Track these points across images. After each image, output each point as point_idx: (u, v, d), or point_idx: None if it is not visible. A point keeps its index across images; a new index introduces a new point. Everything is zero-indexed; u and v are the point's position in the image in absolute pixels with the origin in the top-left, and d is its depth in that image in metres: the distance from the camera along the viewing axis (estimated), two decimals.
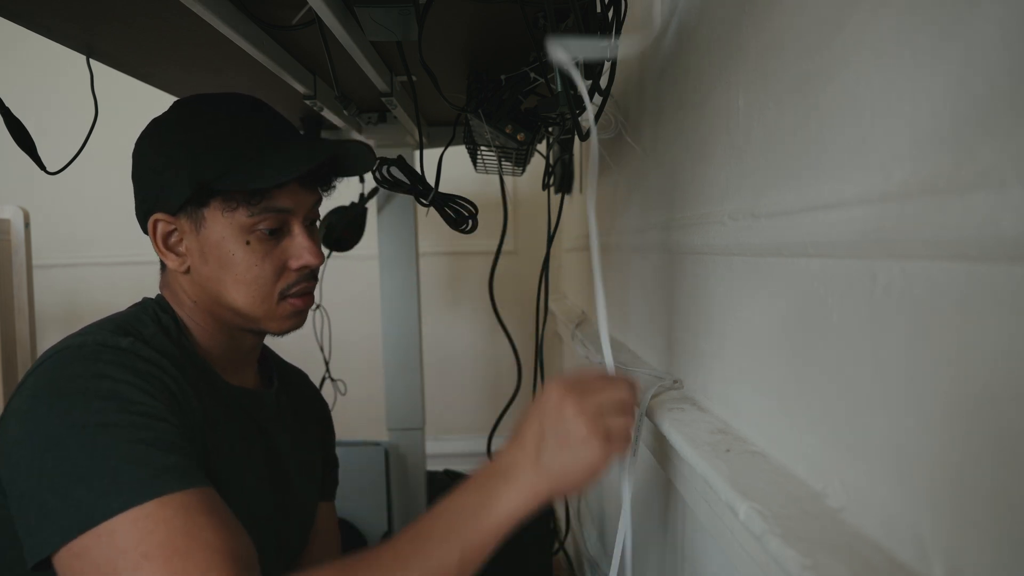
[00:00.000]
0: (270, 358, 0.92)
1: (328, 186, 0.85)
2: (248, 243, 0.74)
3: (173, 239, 0.76)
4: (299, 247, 0.76)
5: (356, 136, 1.51)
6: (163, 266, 0.79)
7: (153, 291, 0.81)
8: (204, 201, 0.74)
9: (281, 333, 0.80)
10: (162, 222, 0.75)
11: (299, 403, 0.93)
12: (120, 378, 0.63)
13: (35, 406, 0.62)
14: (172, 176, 0.73)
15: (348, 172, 0.85)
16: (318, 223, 0.84)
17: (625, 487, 0.67)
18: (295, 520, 0.86)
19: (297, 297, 0.78)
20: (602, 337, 0.69)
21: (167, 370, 0.68)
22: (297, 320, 0.80)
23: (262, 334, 0.82)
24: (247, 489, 0.75)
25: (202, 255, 0.75)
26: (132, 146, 0.79)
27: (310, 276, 0.79)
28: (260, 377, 0.88)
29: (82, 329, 0.71)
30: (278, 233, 0.76)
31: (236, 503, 0.72)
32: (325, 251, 1.36)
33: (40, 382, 0.64)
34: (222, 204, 0.73)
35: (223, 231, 0.74)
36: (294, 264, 0.77)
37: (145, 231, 0.77)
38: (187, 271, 0.76)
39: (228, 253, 0.74)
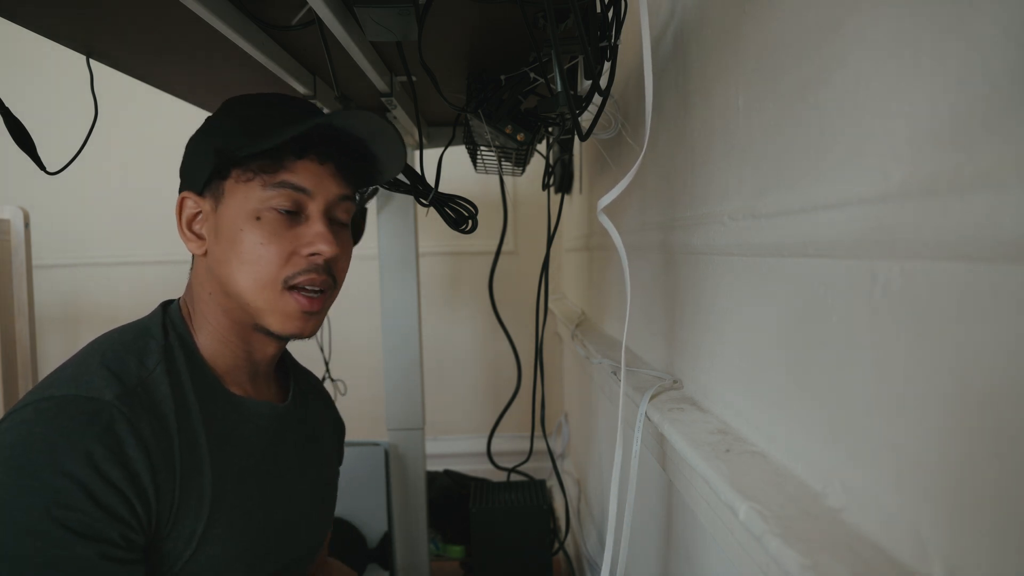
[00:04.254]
0: (289, 367, 0.89)
1: (363, 185, 0.83)
2: (259, 219, 0.71)
3: (197, 221, 0.76)
4: (313, 233, 0.72)
5: None
6: (193, 262, 0.79)
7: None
8: (225, 173, 0.73)
9: (285, 335, 0.75)
10: (189, 200, 0.75)
11: (316, 413, 0.92)
12: (65, 463, 0.61)
13: None
14: (200, 152, 0.74)
15: (380, 172, 0.82)
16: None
17: (630, 485, 0.67)
18: (303, 533, 0.85)
19: (304, 293, 0.73)
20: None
21: (142, 437, 0.65)
22: (303, 323, 0.74)
23: (274, 338, 0.77)
24: (248, 508, 0.75)
25: (217, 233, 0.73)
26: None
27: (322, 269, 0.73)
28: (278, 388, 0.86)
29: (87, 356, 0.70)
30: (296, 217, 0.72)
31: (233, 522, 0.72)
32: None
33: (4, 445, 0.62)
34: (242, 174, 0.72)
35: (238, 205, 0.72)
36: (304, 250, 0.72)
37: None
38: (205, 254, 0.75)
39: (237, 229, 0.71)
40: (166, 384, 0.70)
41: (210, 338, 0.76)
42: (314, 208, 0.73)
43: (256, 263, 0.71)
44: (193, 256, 0.78)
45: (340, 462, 1.00)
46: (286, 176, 0.72)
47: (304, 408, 0.88)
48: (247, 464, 0.76)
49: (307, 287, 0.73)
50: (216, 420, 0.73)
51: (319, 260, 0.73)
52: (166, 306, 0.79)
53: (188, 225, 0.76)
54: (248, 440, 0.77)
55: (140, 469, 0.64)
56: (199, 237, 0.75)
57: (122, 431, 0.64)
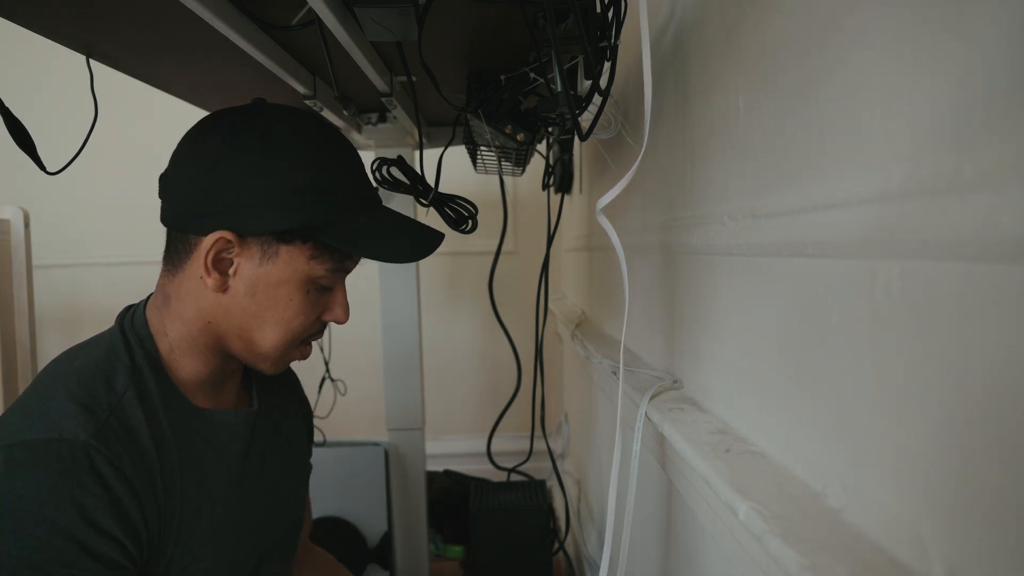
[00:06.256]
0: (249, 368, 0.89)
1: None
2: (308, 292, 0.73)
3: (225, 260, 0.71)
4: (337, 303, 0.77)
5: (355, 136, 1.51)
6: (169, 271, 0.75)
7: (152, 291, 0.81)
8: (290, 240, 0.71)
9: (270, 375, 0.80)
10: (225, 240, 0.69)
11: (283, 400, 0.92)
12: (56, 519, 0.60)
13: None
14: (270, 203, 0.69)
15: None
16: None
17: (631, 485, 0.67)
18: (280, 520, 0.87)
19: (306, 345, 0.78)
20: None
21: (124, 473, 0.64)
22: (287, 365, 0.80)
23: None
24: (230, 514, 0.76)
25: (252, 286, 0.71)
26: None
27: (324, 326, 0.79)
28: (242, 392, 0.85)
29: (49, 387, 0.67)
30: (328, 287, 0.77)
31: (217, 532, 0.73)
32: None
33: None
34: (311, 251, 0.72)
35: (292, 274, 0.72)
36: (327, 317, 0.77)
37: (180, 228, 0.72)
38: (223, 292, 0.72)
39: (285, 296, 0.72)
40: (138, 408, 0.68)
41: (186, 354, 0.75)
42: (342, 279, 0.78)
43: (292, 329, 0.74)
44: (179, 269, 0.74)
45: (311, 441, 1.00)
46: (350, 264, 0.76)
47: (274, 411, 0.88)
48: (225, 474, 0.76)
49: (310, 341, 0.79)
50: (189, 437, 0.73)
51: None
52: (125, 316, 0.76)
53: (214, 260, 0.70)
54: (223, 450, 0.77)
55: (128, 506, 0.64)
56: (221, 274, 0.71)
57: (105, 472, 0.63)
